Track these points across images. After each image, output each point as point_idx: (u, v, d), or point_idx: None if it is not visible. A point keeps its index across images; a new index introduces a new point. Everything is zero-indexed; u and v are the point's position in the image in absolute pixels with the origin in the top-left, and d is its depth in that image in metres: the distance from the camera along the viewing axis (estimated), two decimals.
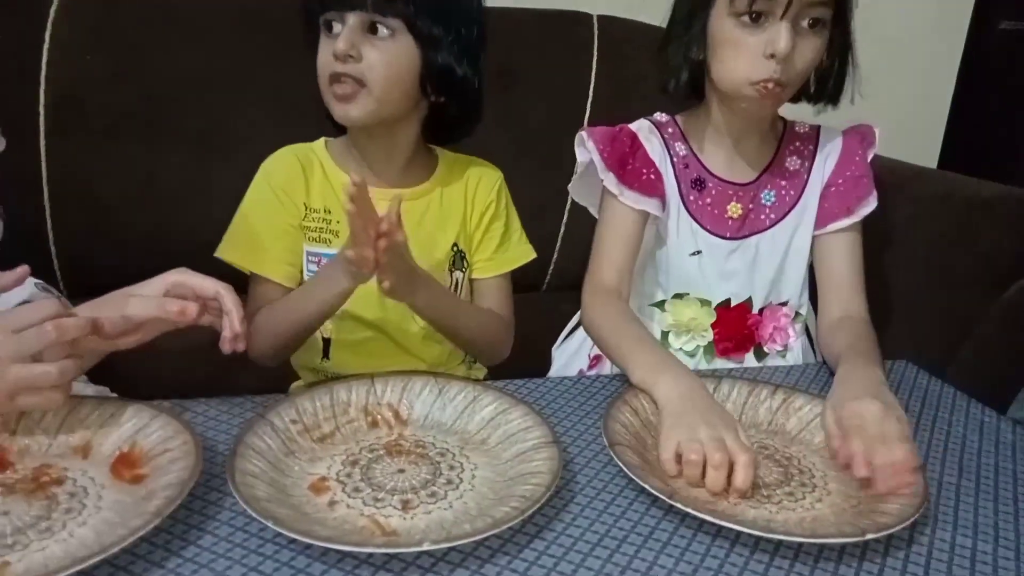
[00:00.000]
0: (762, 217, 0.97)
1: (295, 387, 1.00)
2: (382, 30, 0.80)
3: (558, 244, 1.54)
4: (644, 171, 0.95)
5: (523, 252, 1.00)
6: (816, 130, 1.00)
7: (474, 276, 0.97)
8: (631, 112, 1.49)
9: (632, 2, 1.66)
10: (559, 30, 1.56)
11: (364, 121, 0.83)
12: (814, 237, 0.97)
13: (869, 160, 0.98)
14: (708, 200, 0.97)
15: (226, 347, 0.72)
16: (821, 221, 0.97)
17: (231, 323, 0.71)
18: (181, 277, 0.72)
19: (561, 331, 1.18)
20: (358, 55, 0.80)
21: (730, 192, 0.96)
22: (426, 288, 0.82)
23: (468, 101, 0.88)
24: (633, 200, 0.94)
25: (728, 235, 0.97)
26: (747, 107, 0.89)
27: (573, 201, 1.53)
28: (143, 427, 0.68)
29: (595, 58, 1.55)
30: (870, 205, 0.96)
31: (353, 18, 0.80)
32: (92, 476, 0.64)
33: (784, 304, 1.00)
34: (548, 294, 1.54)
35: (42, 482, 0.62)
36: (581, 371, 1.00)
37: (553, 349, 1.14)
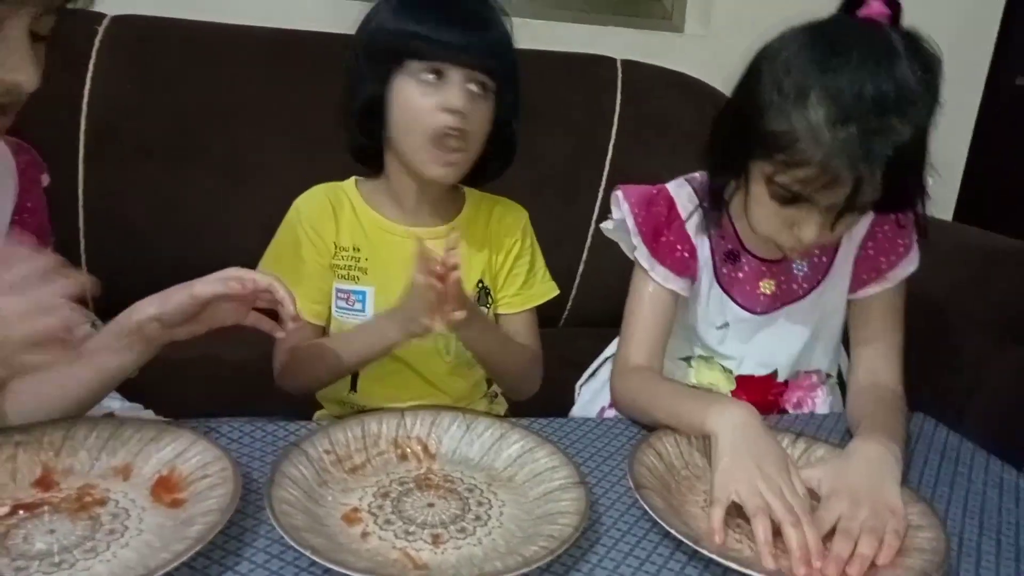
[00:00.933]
0: (794, 287, 0.94)
1: (320, 415, 1.02)
2: (478, 88, 0.82)
3: (576, 280, 1.57)
4: (679, 246, 0.92)
5: (547, 289, 1.02)
6: None
7: (500, 312, 0.99)
8: (654, 155, 1.54)
9: (653, 47, 1.71)
10: (583, 72, 1.61)
11: (456, 179, 0.87)
12: (849, 300, 0.94)
13: (911, 218, 0.91)
14: (740, 275, 0.94)
15: (289, 326, 0.75)
16: (854, 286, 0.93)
17: (287, 309, 0.75)
18: (237, 272, 0.75)
19: (578, 366, 1.20)
20: (468, 113, 0.81)
21: (763, 269, 0.93)
22: (478, 320, 0.85)
23: (510, 149, 0.92)
24: (663, 277, 0.91)
25: (759, 310, 0.94)
26: (783, 247, 0.85)
27: (592, 238, 1.57)
28: (183, 451, 0.70)
29: (618, 100, 1.59)
30: (907, 267, 0.91)
31: (463, 73, 0.81)
32: (133, 498, 0.66)
33: (814, 372, 0.99)
34: (566, 329, 1.56)
35: (85, 502, 0.64)
36: (603, 408, 1.01)
37: (577, 385, 1.15)
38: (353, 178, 0.96)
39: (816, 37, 0.77)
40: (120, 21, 1.38)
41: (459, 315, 0.77)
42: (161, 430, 0.72)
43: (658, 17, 1.84)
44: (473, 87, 0.82)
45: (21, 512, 0.62)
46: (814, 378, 0.99)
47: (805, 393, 0.99)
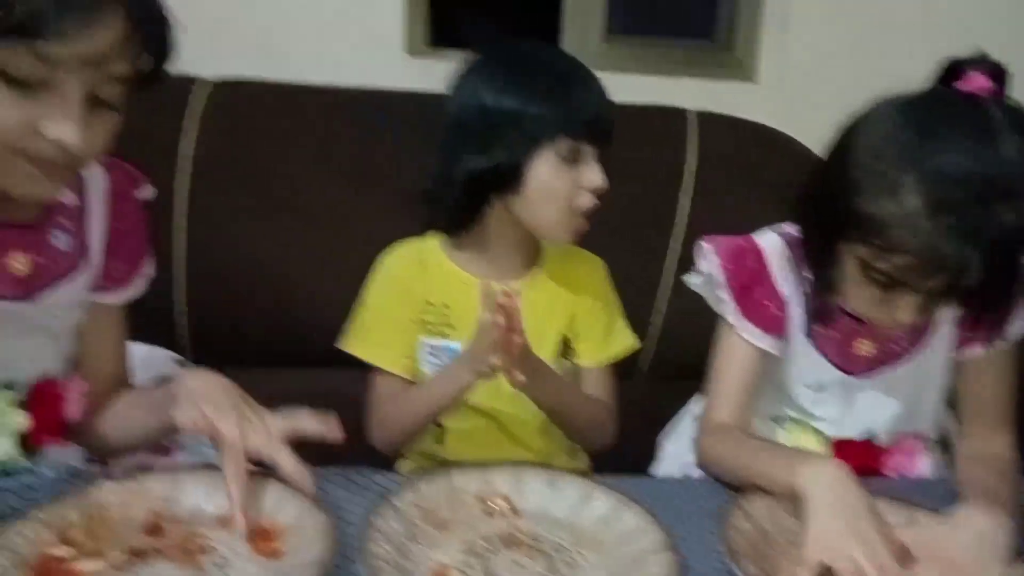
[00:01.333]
0: (894, 347, 0.90)
1: (403, 467, 1.03)
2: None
3: (653, 332, 1.56)
4: (768, 303, 0.89)
5: (626, 341, 1.03)
6: None
7: (577, 363, 1.00)
8: (727, 205, 1.53)
9: (726, 98, 1.72)
10: (656, 124, 1.62)
11: None
12: (956, 362, 0.90)
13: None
14: (836, 333, 0.90)
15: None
16: (959, 347, 0.89)
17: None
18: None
19: (657, 419, 1.19)
20: None
21: (860, 328, 0.89)
22: (550, 379, 0.87)
23: None
24: (752, 335, 0.89)
25: (856, 371, 0.91)
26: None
27: (669, 290, 1.56)
28: (281, 502, 0.72)
29: (692, 151, 1.59)
30: (1016, 327, 0.86)
31: (595, 149, 0.87)
32: (234, 547, 0.68)
33: (915, 435, 0.95)
34: (641, 383, 1.55)
35: (190, 550, 0.67)
36: (688, 466, 1.00)
37: (660, 439, 1.14)
38: (435, 235, 0.99)
39: (911, 115, 0.73)
40: (220, 85, 1.47)
41: (521, 379, 0.80)
42: (260, 482, 0.74)
43: (731, 67, 1.84)
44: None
45: (133, 558, 0.66)
46: (916, 442, 0.95)
47: (907, 458, 0.94)
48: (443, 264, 0.96)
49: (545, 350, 0.96)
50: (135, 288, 0.87)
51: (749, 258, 0.90)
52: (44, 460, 0.81)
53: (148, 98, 1.43)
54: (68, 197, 0.80)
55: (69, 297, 0.81)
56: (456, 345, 0.94)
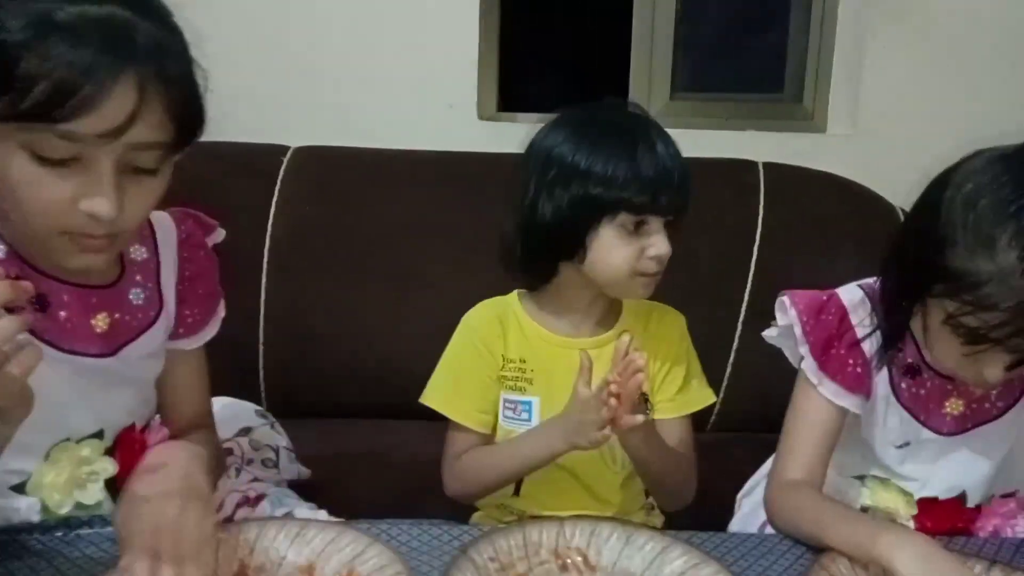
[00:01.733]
0: (987, 406, 0.87)
1: (476, 517, 1.04)
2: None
3: (724, 385, 1.53)
4: (851, 361, 0.86)
5: (705, 395, 1.02)
6: None
7: (656, 417, 0.99)
8: (800, 255, 1.52)
9: (796, 149, 1.72)
10: (726, 177, 1.63)
11: None
12: None
13: None
14: (923, 391, 0.87)
15: None
16: None
17: None
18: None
19: (732, 473, 1.16)
20: None
21: (948, 387, 0.86)
22: (646, 427, 0.87)
23: None
24: (832, 393, 0.86)
25: (945, 431, 0.87)
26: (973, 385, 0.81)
27: (738, 341, 1.54)
28: (360, 553, 0.74)
29: (762, 203, 1.59)
30: None
31: (659, 221, 0.89)
32: None
33: (1012, 496, 0.91)
34: (712, 435, 1.52)
35: None
36: (764, 523, 0.97)
37: (739, 496, 1.11)
38: (516, 292, 1.02)
39: (1010, 169, 0.72)
40: (301, 151, 1.57)
41: (639, 419, 0.80)
42: (340, 532, 0.76)
43: (800, 118, 1.84)
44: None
45: None
46: (1012, 504, 0.91)
47: (1003, 521, 0.89)
48: (521, 320, 0.99)
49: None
50: (209, 331, 0.91)
51: (830, 313, 0.88)
52: None
53: (240, 166, 1.54)
54: (141, 254, 0.85)
55: (148, 348, 0.85)
56: (532, 400, 0.96)
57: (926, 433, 0.89)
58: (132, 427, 0.85)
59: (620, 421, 0.81)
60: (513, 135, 1.00)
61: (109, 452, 0.83)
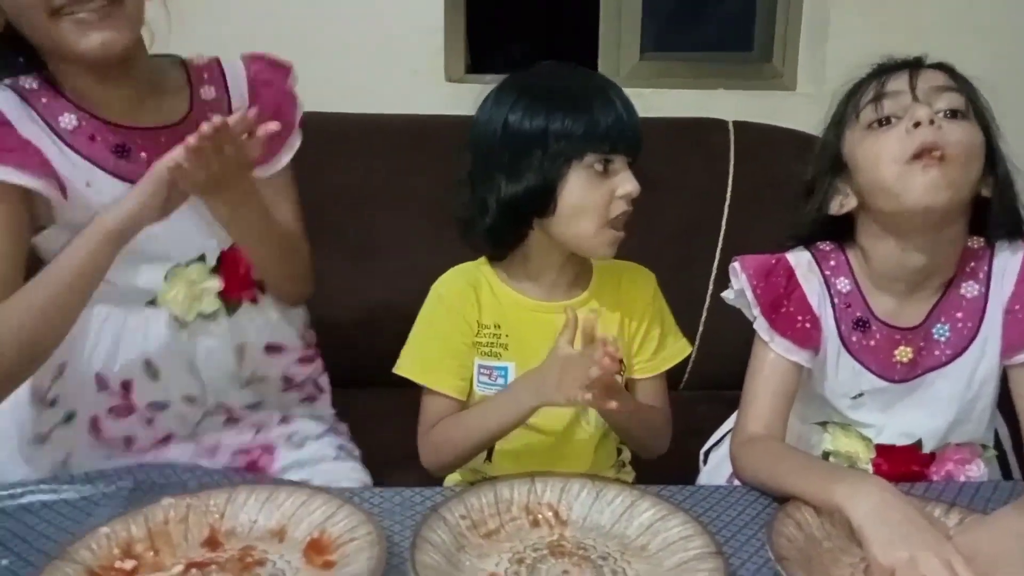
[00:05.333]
0: (936, 353, 0.91)
1: (450, 480, 1.05)
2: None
3: (696, 345, 1.55)
4: (799, 318, 0.91)
5: (680, 349, 1.03)
6: (990, 246, 0.91)
7: (635, 376, 1.00)
8: (769, 214, 1.52)
9: (765, 108, 1.71)
10: (695, 136, 1.62)
11: None
12: (1006, 367, 0.90)
13: None
14: (872, 342, 0.91)
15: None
16: (1007, 351, 0.89)
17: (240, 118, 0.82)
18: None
19: (701, 431, 1.18)
20: None
21: (897, 337, 0.91)
22: (621, 394, 0.87)
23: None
24: (784, 349, 0.90)
25: (897, 378, 0.91)
26: (921, 191, 0.81)
27: (710, 300, 1.55)
28: (331, 515, 0.74)
29: (732, 162, 1.59)
30: None
31: (625, 158, 0.89)
32: (288, 560, 0.70)
33: (966, 445, 0.94)
34: (686, 393, 1.54)
35: (247, 563, 0.70)
36: (731, 475, 0.99)
37: (702, 451, 1.13)
38: (483, 259, 1.01)
39: None
40: None
41: (612, 405, 0.81)
42: (311, 495, 0.77)
43: (769, 77, 1.84)
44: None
45: (193, 570, 0.69)
46: (967, 452, 0.94)
47: (956, 466, 0.93)
48: (494, 286, 0.98)
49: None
50: (283, 157, 1.03)
51: (778, 275, 0.93)
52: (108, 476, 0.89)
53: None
54: (210, 93, 0.98)
55: None
56: (508, 365, 0.95)
57: (878, 382, 0.92)
58: (232, 250, 0.99)
59: (600, 404, 0.81)
60: (479, 97, 0.97)
61: (215, 272, 0.98)
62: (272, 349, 1.05)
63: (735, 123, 1.63)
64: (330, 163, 1.50)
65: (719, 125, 1.62)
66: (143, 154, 0.91)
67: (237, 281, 1.00)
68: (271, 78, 1.02)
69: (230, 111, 0.96)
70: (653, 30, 1.89)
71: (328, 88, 1.68)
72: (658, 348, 1.01)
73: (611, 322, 0.98)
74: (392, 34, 1.71)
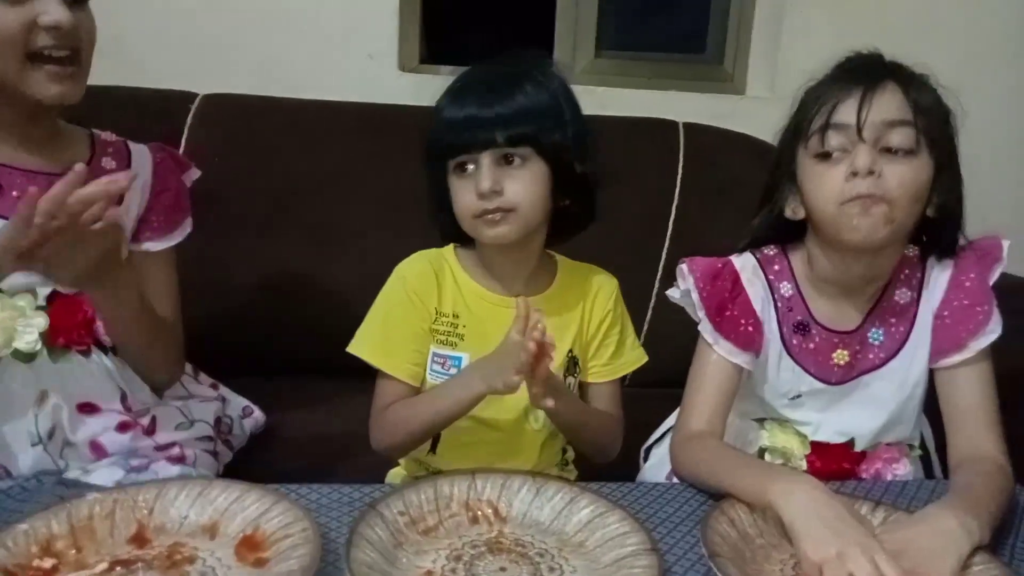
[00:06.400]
0: (871, 356, 0.93)
1: (393, 474, 1.04)
2: (516, 160, 0.88)
3: (641, 342, 1.56)
4: (743, 321, 0.93)
5: (636, 357, 1.04)
6: (924, 255, 0.94)
7: (589, 381, 1.01)
8: (717, 216, 1.55)
9: (715, 110, 1.74)
10: (645, 136, 1.64)
11: (515, 240, 0.91)
12: (933, 370, 0.93)
13: (994, 279, 0.91)
14: (812, 345, 0.94)
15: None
16: (935, 355, 0.92)
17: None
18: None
19: (644, 427, 1.19)
20: (501, 189, 0.87)
21: (835, 340, 0.93)
22: (562, 394, 0.88)
23: (588, 197, 0.94)
24: (726, 351, 0.92)
25: (834, 380, 0.94)
26: (852, 234, 0.84)
27: (655, 299, 1.57)
28: (265, 511, 0.72)
29: (681, 163, 1.61)
30: (987, 336, 0.89)
31: (487, 156, 0.87)
32: (219, 556, 0.68)
33: (895, 444, 0.97)
34: (629, 390, 1.55)
35: (176, 560, 0.68)
36: (671, 472, 1.00)
37: (643, 448, 1.15)
38: (452, 245, 1.00)
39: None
40: (211, 99, 1.49)
41: (549, 403, 0.82)
42: (245, 491, 0.75)
43: (720, 80, 1.87)
44: (504, 162, 0.88)
45: (118, 568, 0.66)
46: (895, 451, 0.97)
47: (884, 465, 0.96)
48: (457, 275, 0.97)
49: (552, 366, 0.96)
50: (176, 236, 1.04)
51: (724, 279, 0.94)
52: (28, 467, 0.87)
53: (143, 114, 1.46)
54: (111, 164, 0.99)
55: None
56: (462, 356, 0.95)
57: (816, 384, 0.94)
58: (68, 294, 0.93)
59: (534, 400, 0.83)
60: (436, 88, 0.97)
61: (43, 310, 0.92)
62: (85, 408, 0.95)
63: (685, 125, 1.65)
64: (286, 149, 1.48)
65: (670, 126, 1.64)
66: (13, 193, 0.90)
67: (69, 325, 0.94)
68: (174, 169, 1.06)
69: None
70: (609, 29, 1.90)
71: (281, 69, 1.66)
72: (615, 354, 1.01)
73: (570, 323, 0.98)
74: (348, 15, 1.69)
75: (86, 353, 0.95)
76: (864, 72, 0.85)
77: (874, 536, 0.69)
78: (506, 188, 0.87)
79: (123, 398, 0.98)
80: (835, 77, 0.87)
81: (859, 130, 0.82)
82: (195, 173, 1.10)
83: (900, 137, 0.82)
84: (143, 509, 0.72)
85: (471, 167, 0.88)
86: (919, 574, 0.66)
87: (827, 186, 0.84)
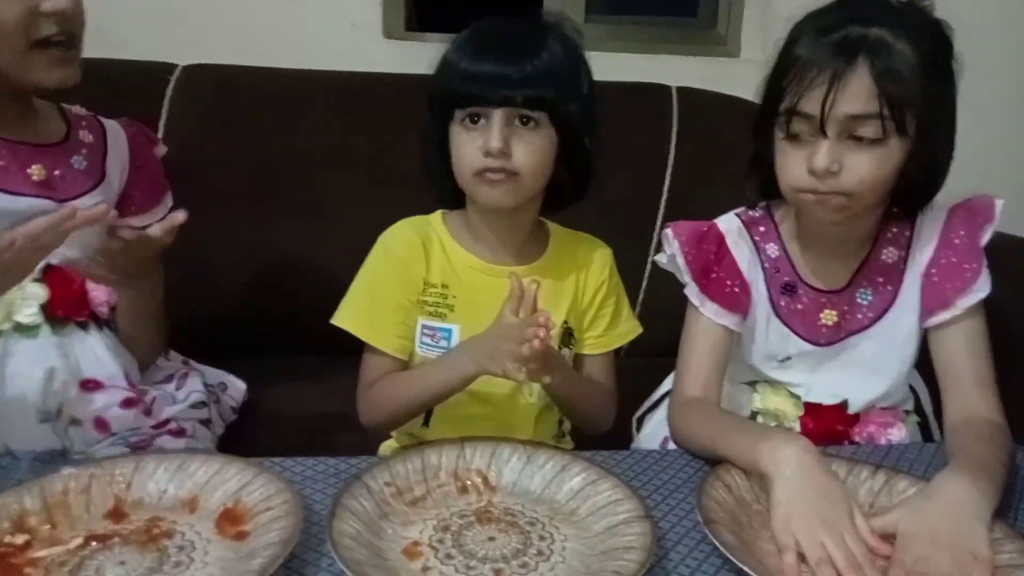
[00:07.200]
0: (859, 317, 0.92)
1: (385, 447, 1.02)
2: (531, 123, 0.84)
3: (636, 313, 1.54)
4: (728, 282, 0.92)
5: (631, 328, 1.01)
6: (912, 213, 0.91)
7: (584, 352, 0.99)
8: (712, 182, 1.51)
9: (709, 74, 1.70)
10: (638, 101, 1.60)
11: (513, 206, 0.88)
12: (925, 330, 0.90)
13: (985, 239, 0.89)
14: (799, 306, 0.92)
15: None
16: (925, 314, 0.89)
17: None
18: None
19: (637, 397, 1.17)
20: (509, 151, 0.83)
21: (823, 300, 0.92)
22: (559, 368, 0.86)
23: (587, 170, 0.91)
24: (713, 313, 0.91)
25: (823, 341, 0.92)
26: (812, 215, 0.85)
27: (650, 267, 1.54)
28: (247, 484, 0.70)
29: (675, 128, 1.58)
30: (976, 294, 0.87)
31: (501, 113, 0.83)
32: (199, 531, 0.67)
33: (890, 408, 0.95)
34: (624, 360, 1.53)
35: (154, 534, 0.66)
36: (665, 439, 0.99)
37: (634, 417, 1.13)
38: (439, 212, 0.97)
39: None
40: (191, 70, 1.45)
41: (546, 380, 0.80)
42: (226, 463, 0.73)
43: (713, 43, 1.82)
44: (517, 122, 0.84)
45: (94, 543, 0.64)
46: (890, 415, 0.95)
47: (879, 429, 0.94)
48: (445, 243, 0.94)
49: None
50: (159, 211, 1.04)
51: (709, 242, 0.93)
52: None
53: (121, 86, 1.42)
54: (88, 137, 0.99)
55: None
56: (452, 327, 0.92)
57: (804, 345, 0.93)
58: (63, 268, 0.93)
59: (532, 375, 0.79)
60: (422, 56, 0.93)
61: (39, 281, 0.92)
62: (89, 385, 0.95)
63: (678, 89, 1.61)
64: (270, 120, 1.44)
65: (663, 91, 1.61)
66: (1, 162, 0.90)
67: (66, 297, 0.95)
68: (146, 143, 1.07)
69: (104, 161, 0.99)
70: None
71: (263, 38, 1.61)
72: (610, 325, 0.99)
73: (564, 293, 0.96)
74: None
75: (84, 326, 0.96)
76: (838, 48, 0.77)
77: (853, 507, 0.68)
78: (514, 150, 0.83)
79: (126, 374, 0.98)
80: (808, 45, 0.80)
81: (822, 125, 0.78)
82: (162, 149, 1.10)
83: (865, 129, 0.78)
84: (120, 483, 0.70)
85: (482, 121, 0.84)
86: (957, 551, 0.64)
87: (787, 170, 0.82)
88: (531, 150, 0.84)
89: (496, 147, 0.82)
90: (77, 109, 1.01)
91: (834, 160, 0.78)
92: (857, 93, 0.76)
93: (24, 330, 0.91)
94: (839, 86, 0.76)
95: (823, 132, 0.78)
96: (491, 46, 0.84)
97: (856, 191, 0.79)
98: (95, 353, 0.95)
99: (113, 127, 1.03)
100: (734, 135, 1.56)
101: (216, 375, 1.15)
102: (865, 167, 0.79)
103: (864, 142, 0.78)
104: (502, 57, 0.83)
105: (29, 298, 0.92)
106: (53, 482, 0.68)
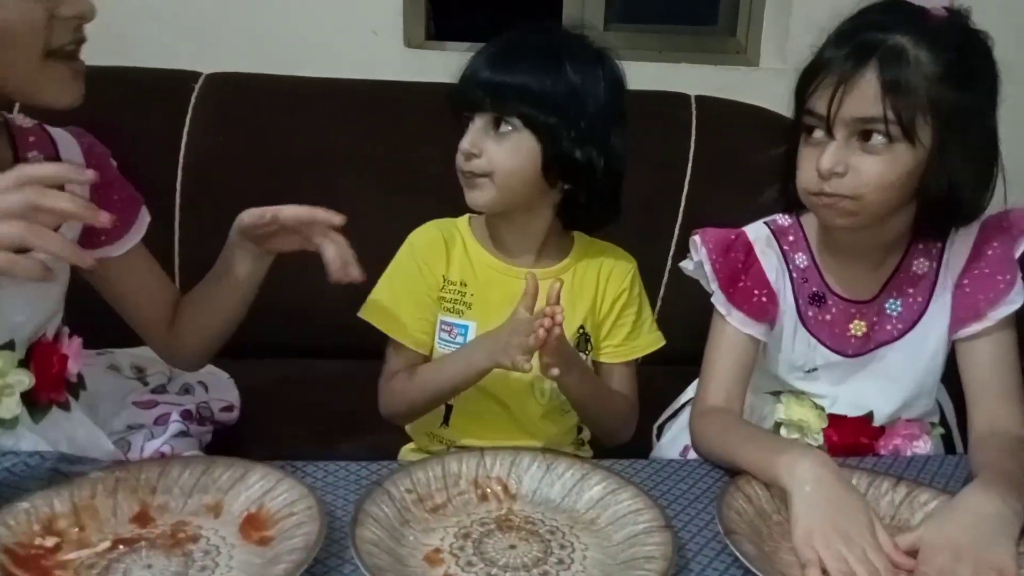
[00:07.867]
0: (888, 328, 0.91)
1: (405, 451, 1.03)
2: (504, 127, 0.87)
3: (654, 320, 1.54)
4: (756, 292, 0.91)
5: (653, 340, 1.02)
6: None
7: (603, 360, 0.99)
8: (730, 191, 1.51)
9: (728, 83, 1.70)
10: (657, 110, 1.60)
11: (490, 207, 0.91)
12: (954, 342, 0.89)
13: (1020, 251, 0.87)
14: (828, 317, 0.92)
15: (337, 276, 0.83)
16: (954, 326, 0.88)
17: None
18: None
19: (657, 405, 1.17)
20: (479, 152, 0.87)
21: (852, 311, 0.91)
22: (577, 368, 0.87)
23: (598, 187, 0.91)
24: (739, 322, 0.90)
25: (850, 352, 0.92)
26: (823, 220, 0.85)
27: (668, 275, 1.54)
28: (270, 489, 0.71)
29: (693, 136, 1.57)
30: (1008, 305, 0.85)
31: (479, 118, 0.87)
32: (223, 535, 0.67)
33: (915, 420, 0.95)
34: (642, 368, 1.53)
35: (179, 539, 0.67)
36: (686, 447, 0.98)
37: (655, 425, 1.13)
38: (467, 216, 1.00)
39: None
40: (215, 78, 1.47)
41: (555, 372, 0.81)
42: (249, 468, 0.73)
43: (732, 52, 1.82)
44: (492, 127, 0.87)
45: (121, 547, 0.65)
46: (916, 427, 0.94)
47: (904, 441, 0.93)
48: (467, 243, 0.97)
49: None
50: (133, 236, 0.91)
51: (737, 250, 0.93)
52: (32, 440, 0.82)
53: (148, 93, 1.44)
54: (39, 158, 0.82)
55: None
56: (469, 324, 0.94)
57: (832, 356, 0.92)
58: (47, 341, 0.85)
59: (542, 367, 0.81)
60: (441, 65, 0.95)
61: (23, 364, 0.81)
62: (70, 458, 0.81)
63: (697, 97, 1.61)
64: (291, 128, 1.46)
65: (681, 99, 1.60)
66: None
67: (49, 379, 0.84)
68: (103, 155, 0.91)
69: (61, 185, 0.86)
70: (618, 1, 1.85)
71: (284, 47, 1.63)
72: (629, 336, 0.99)
73: (583, 298, 0.97)
74: None
75: (65, 407, 0.86)
76: (851, 51, 0.78)
77: (874, 519, 0.68)
78: (485, 152, 0.87)
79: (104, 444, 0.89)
80: (828, 48, 0.81)
81: (829, 127, 0.78)
82: (113, 162, 0.93)
83: (872, 134, 0.78)
84: (146, 488, 0.71)
85: (470, 124, 0.89)
86: (979, 565, 0.64)
87: (801, 172, 0.83)
88: (503, 153, 0.87)
89: (464, 148, 0.88)
90: (22, 120, 0.85)
91: (839, 162, 0.78)
92: (863, 96, 0.77)
93: (3, 424, 0.80)
94: (846, 88, 0.77)
95: (830, 134, 0.79)
96: (484, 54, 0.89)
97: (860, 195, 0.79)
98: (76, 436, 0.86)
99: (64, 137, 0.87)
100: (753, 144, 1.57)
101: (202, 378, 1.12)
102: (870, 171, 0.78)
103: (872, 147, 0.78)
104: (484, 63, 0.88)
105: (12, 388, 0.80)
106: (81, 485, 0.69)
